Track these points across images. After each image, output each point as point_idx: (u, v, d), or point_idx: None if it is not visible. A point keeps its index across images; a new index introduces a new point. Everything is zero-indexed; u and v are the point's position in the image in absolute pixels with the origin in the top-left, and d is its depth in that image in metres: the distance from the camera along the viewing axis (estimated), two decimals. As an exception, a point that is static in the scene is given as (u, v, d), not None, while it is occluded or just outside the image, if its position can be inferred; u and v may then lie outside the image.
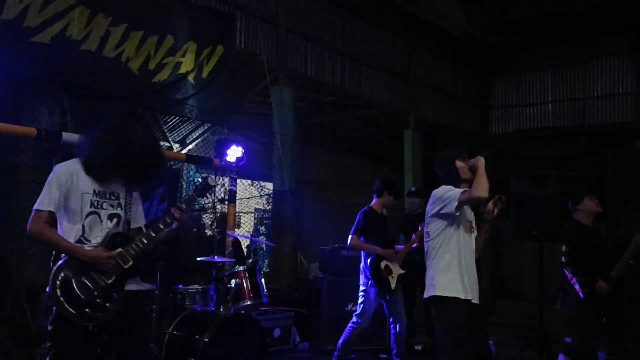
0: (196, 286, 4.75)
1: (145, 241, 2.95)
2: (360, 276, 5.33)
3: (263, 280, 4.80)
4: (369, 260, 5.21)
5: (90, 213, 2.93)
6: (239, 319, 4.40)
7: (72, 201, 2.90)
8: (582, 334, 4.55)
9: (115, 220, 3.00)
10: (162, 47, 6.27)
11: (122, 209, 3.01)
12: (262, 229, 10.91)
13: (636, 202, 5.48)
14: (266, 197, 8.89)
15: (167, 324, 4.46)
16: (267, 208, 10.28)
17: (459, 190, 3.45)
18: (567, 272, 4.66)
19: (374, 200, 5.51)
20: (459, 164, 3.59)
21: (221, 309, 4.43)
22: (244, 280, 4.62)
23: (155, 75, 6.26)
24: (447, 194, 3.46)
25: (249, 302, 4.61)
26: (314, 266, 8.80)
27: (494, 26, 10.84)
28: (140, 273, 3.02)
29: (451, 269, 3.38)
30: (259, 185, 9.46)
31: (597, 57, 10.82)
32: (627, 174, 5.68)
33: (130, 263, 2.90)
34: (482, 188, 3.36)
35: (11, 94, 5.37)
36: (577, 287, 4.55)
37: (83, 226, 2.91)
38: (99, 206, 2.95)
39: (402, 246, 5.47)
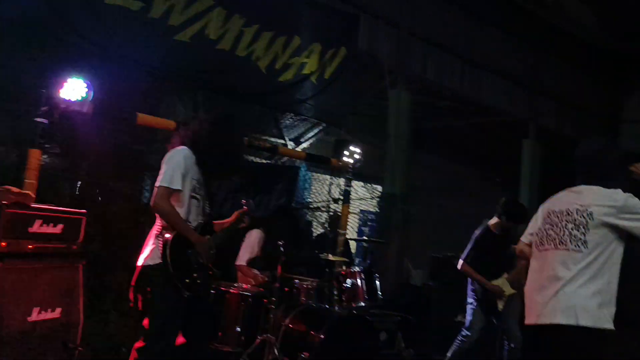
0: (312, 282, 4.84)
1: (223, 234, 3.40)
2: (469, 289, 5.19)
3: (378, 283, 4.81)
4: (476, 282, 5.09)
5: (193, 197, 3.21)
6: (354, 320, 4.44)
7: (186, 184, 3.16)
8: None
9: (203, 208, 3.32)
10: (290, 47, 6.48)
11: (204, 199, 3.34)
12: (366, 230, 10.94)
13: None
14: (377, 199, 8.90)
15: (281, 315, 4.59)
16: (374, 210, 10.29)
17: None
18: None
19: (494, 219, 5.25)
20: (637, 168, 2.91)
21: (336, 308, 4.50)
22: (359, 281, 4.65)
23: (281, 75, 6.48)
24: None
25: (363, 304, 4.63)
26: (419, 272, 8.68)
27: (630, 34, 10.08)
28: (217, 260, 3.36)
29: (611, 295, 2.65)
30: (370, 187, 9.49)
31: None
32: None
33: (214, 251, 3.29)
34: None
35: (153, 87, 5.78)
36: None
37: (189, 208, 3.19)
38: (198, 192, 3.25)
39: None
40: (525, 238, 3.06)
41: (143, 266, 3.12)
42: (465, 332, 5.08)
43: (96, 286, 4.66)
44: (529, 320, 2.81)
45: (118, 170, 5.24)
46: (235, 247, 5.23)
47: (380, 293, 4.82)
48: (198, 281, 3.15)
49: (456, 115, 10.37)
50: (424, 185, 10.78)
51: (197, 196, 3.24)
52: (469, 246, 5.13)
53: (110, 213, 4.83)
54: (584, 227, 2.67)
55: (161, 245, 3.08)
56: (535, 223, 2.97)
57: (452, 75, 9.01)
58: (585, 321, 2.59)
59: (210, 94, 6.27)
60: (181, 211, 3.15)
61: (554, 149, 10.56)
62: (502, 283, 5.06)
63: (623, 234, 2.67)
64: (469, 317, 5.11)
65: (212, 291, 4.38)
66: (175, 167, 3.12)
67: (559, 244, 2.73)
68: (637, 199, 2.70)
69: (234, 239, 5.18)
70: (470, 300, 5.14)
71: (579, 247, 2.66)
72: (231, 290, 4.44)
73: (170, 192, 3.10)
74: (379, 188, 9.19)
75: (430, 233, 10.56)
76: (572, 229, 2.70)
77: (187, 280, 3.10)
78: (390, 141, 7.95)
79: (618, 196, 2.69)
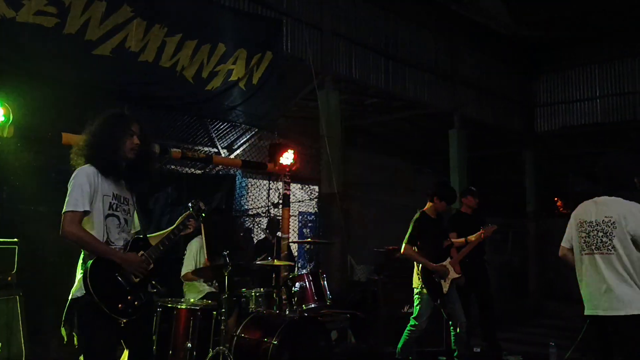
0: (261, 289, 4.82)
1: (162, 247, 3.11)
2: (414, 278, 5.32)
3: (326, 283, 4.84)
4: (420, 266, 5.22)
5: (110, 215, 2.98)
6: (305, 322, 4.46)
7: (96, 202, 2.93)
8: None
9: (129, 224, 3.10)
10: (215, 55, 6.40)
11: (130, 215, 3.12)
12: (306, 231, 10.99)
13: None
14: (316, 200, 8.96)
15: (232, 325, 4.55)
16: (313, 211, 10.35)
17: None
18: None
19: (427, 204, 5.45)
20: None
21: (287, 312, 4.50)
22: (307, 283, 4.67)
23: (208, 83, 6.39)
24: None
25: (313, 305, 4.65)
26: (362, 268, 8.82)
27: (539, 22, 10.68)
28: (157, 275, 3.14)
29: None
30: (309, 188, 9.53)
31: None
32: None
33: (152, 266, 3.05)
34: None
35: (77, 104, 5.55)
36: None
37: (106, 228, 2.96)
38: (117, 209, 3.02)
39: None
40: (566, 243, 3.67)
41: (71, 299, 2.91)
42: (414, 321, 5.20)
43: (33, 315, 4.44)
44: (593, 312, 3.48)
45: (45, 194, 5.00)
46: (179, 262, 5.12)
47: (328, 293, 4.85)
48: (136, 302, 2.94)
49: (384, 111, 10.61)
50: (359, 181, 10.97)
51: (117, 213, 3.02)
52: (408, 231, 5.27)
53: (39, 239, 4.59)
54: (622, 234, 3.37)
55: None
56: (571, 230, 3.61)
57: (377, 72, 9.21)
58: None
59: (138, 107, 6.10)
60: (96, 233, 2.92)
61: (478, 136, 11.05)
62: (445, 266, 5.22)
63: None
64: (416, 307, 5.23)
65: (159, 309, 4.27)
66: (78, 188, 2.89)
67: (611, 249, 3.41)
68: None
69: (178, 252, 5.07)
70: (416, 288, 5.26)
71: (627, 250, 3.36)
72: (178, 306, 4.34)
73: (78, 216, 2.87)
74: (317, 189, 9.25)
75: (370, 228, 10.76)
76: (613, 235, 3.39)
77: (121, 305, 2.88)
78: (323, 141, 8.01)
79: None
